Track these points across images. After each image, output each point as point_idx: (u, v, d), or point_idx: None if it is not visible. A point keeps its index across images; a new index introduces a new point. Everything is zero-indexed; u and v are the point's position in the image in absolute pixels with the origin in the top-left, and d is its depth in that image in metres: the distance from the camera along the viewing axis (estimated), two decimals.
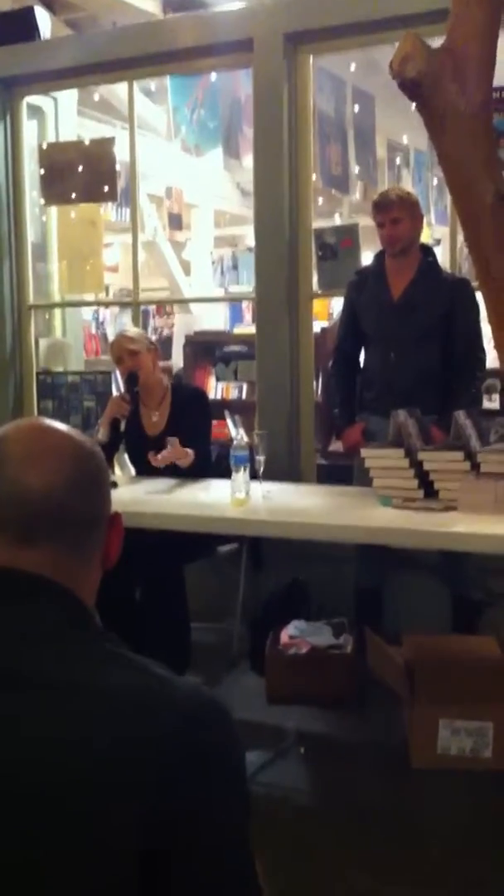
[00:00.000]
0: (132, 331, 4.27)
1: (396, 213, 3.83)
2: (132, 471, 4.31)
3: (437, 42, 2.89)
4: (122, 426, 4.03)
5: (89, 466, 1.08)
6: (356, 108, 5.24)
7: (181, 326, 7.10)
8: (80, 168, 5.29)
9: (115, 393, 5.34)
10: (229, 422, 4.12)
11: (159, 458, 3.78)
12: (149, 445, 4.01)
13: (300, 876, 2.52)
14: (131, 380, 4.08)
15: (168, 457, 3.79)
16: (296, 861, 2.59)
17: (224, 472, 3.69)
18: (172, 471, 3.90)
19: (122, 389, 4.25)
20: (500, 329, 2.92)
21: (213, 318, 7.39)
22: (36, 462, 1.04)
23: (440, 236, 6.76)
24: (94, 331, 8.22)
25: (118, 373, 5.97)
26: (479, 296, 3.84)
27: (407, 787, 3.11)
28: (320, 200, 5.76)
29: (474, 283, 3.84)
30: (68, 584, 1.03)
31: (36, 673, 0.93)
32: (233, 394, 6.16)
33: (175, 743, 0.91)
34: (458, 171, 2.89)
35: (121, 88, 5.71)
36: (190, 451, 3.85)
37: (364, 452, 3.49)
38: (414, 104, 2.90)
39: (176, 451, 3.80)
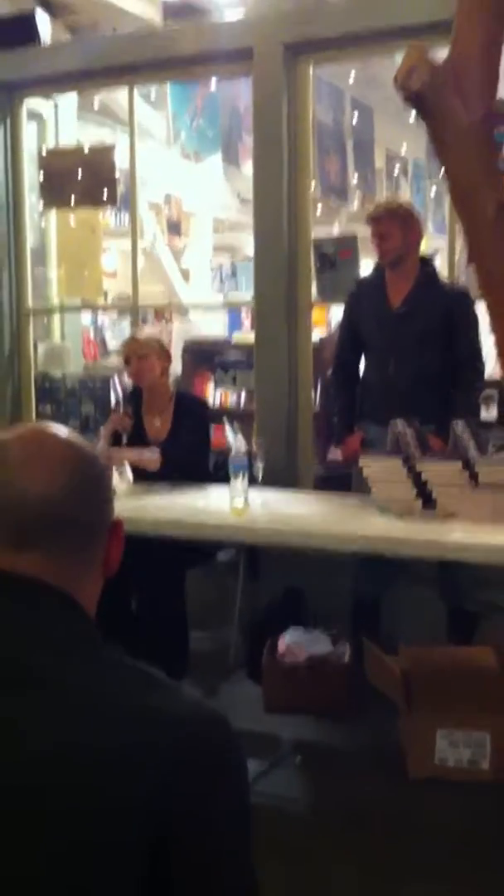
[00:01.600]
0: (146, 333, 4.24)
1: (385, 226, 3.85)
2: (130, 477, 4.30)
3: (437, 54, 2.90)
4: (124, 440, 4.02)
5: (89, 473, 1.08)
6: (355, 118, 5.26)
7: (179, 333, 7.11)
8: (80, 173, 5.29)
9: (113, 399, 5.35)
10: (228, 429, 4.13)
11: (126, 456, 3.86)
12: None
13: (296, 886, 2.52)
14: (135, 395, 4.07)
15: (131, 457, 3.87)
16: (292, 871, 2.59)
17: (223, 479, 3.70)
18: (167, 475, 3.92)
19: (121, 398, 4.26)
20: None
21: (212, 326, 7.39)
22: (34, 467, 1.03)
23: (438, 246, 6.78)
24: (92, 336, 8.22)
25: (116, 379, 6.00)
26: (478, 307, 3.87)
27: (404, 798, 3.12)
28: (318, 209, 5.76)
29: (474, 295, 3.86)
30: (67, 589, 1.03)
31: (36, 678, 0.93)
32: (231, 401, 6.16)
33: (176, 756, 0.90)
34: (461, 182, 2.89)
35: (121, 94, 5.72)
36: (155, 450, 3.89)
37: (362, 461, 3.50)
38: (417, 116, 2.90)
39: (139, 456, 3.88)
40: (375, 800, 3.11)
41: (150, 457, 3.89)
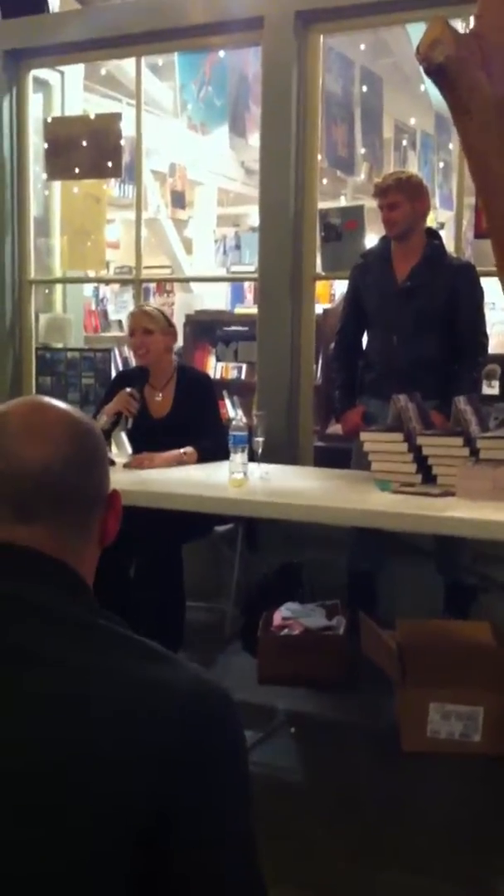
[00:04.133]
0: (154, 308, 4.17)
1: (393, 197, 3.82)
2: (129, 449, 4.29)
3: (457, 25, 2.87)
4: (129, 423, 3.92)
5: (87, 443, 1.08)
6: (364, 89, 5.21)
7: (181, 305, 7.08)
8: (85, 143, 5.26)
9: (113, 371, 5.33)
10: (228, 402, 4.12)
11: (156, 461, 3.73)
12: (153, 427, 3.99)
13: (287, 856, 2.53)
14: (142, 375, 4.01)
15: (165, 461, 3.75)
16: (283, 841, 2.60)
17: None
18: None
19: (126, 368, 4.21)
20: None
21: (215, 298, 7.37)
22: (33, 438, 1.04)
23: (445, 220, 6.74)
24: (94, 307, 8.19)
25: (117, 352, 5.98)
26: (483, 281, 3.86)
27: (396, 770, 3.13)
28: (325, 181, 5.73)
29: (479, 269, 3.84)
30: (67, 560, 1.03)
31: (36, 650, 0.93)
32: (232, 374, 6.15)
33: (179, 729, 0.90)
34: (482, 157, 2.87)
35: (128, 64, 5.67)
36: (189, 450, 3.81)
37: (363, 436, 3.48)
38: (438, 88, 2.87)
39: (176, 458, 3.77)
40: (369, 772, 3.12)
41: (190, 454, 3.82)
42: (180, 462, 3.79)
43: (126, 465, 3.71)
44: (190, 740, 0.90)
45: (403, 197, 3.81)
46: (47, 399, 1.10)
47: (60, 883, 0.84)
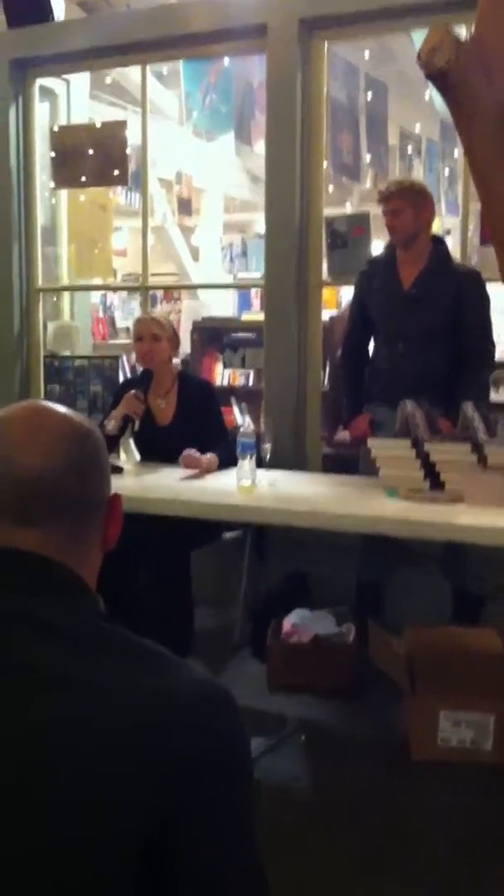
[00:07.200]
0: (162, 315, 4.25)
1: (395, 204, 3.83)
2: (137, 456, 4.30)
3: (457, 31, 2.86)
4: (136, 425, 4.00)
5: (87, 447, 1.08)
6: (369, 96, 5.21)
7: (188, 312, 7.10)
8: (91, 151, 5.27)
9: (121, 378, 5.35)
10: (236, 409, 4.11)
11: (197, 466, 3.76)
12: (157, 434, 4.01)
13: (295, 865, 2.53)
14: (146, 377, 4.05)
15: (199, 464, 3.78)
16: (292, 850, 2.60)
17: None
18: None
19: (132, 381, 4.23)
20: None
21: (222, 305, 7.38)
22: (33, 442, 1.04)
23: (451, 227, 6.74)
24: (101, 315, 8.21)
25: (125, 359, 5.99)
26: (489, 288, 3.85)
27: (406, 778, 3.11)
28: (330, 188, 5.73)
29: (485, 275, 3.84)
30: (69, 563, 1.03)
31: (39, 654, 0.93)
32: (240, 381, 6.16)
33: (182, 733, 0.90)
34: (483, 162, 2.87)
35: (133, 72, 5.69)
36: (211, 456, 3.83)
37: (371, 443, 3.48)
38: (440, 93, 2.87)
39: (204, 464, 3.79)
40: (378, 780, 3.11)
41: (213, 460, 3.84)
42: (210, 468, 3.81)
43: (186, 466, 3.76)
44: (191, 745, 0.90)
45: (406, 203, 3.81)
46: (47, 403, 1.11)
47: (68, 891, 0.85)
